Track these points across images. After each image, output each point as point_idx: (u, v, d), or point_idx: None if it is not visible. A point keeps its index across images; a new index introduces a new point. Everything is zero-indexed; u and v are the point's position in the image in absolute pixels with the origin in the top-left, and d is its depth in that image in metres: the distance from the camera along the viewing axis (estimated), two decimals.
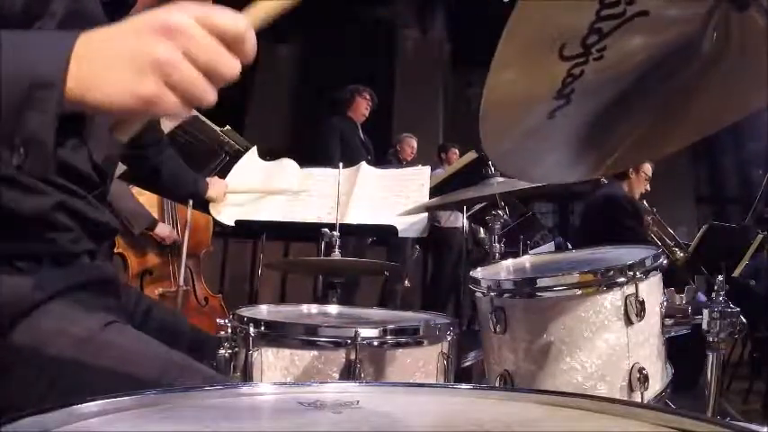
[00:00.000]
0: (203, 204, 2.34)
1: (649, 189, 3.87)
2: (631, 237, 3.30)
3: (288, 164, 2.52)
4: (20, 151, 0.60)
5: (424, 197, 2.30)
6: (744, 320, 1.19)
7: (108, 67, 0.57)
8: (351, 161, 2.63)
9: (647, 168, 3.76)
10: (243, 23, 0.58)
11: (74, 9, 0.89)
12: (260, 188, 2.42)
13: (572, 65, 0.70)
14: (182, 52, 0.56)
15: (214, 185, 2.28)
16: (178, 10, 0.57)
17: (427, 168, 2.50)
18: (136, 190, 3.14)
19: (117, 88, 0.57)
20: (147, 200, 3.28)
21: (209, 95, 0.58)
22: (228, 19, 0.58)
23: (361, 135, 5.01)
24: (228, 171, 2.57)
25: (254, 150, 2.62)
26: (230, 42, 0.58)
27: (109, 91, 0.57)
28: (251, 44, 0.59)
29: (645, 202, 3.79)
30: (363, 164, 2.52)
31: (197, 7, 0.58)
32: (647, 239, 3.72)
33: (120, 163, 1.49)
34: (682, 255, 3.82)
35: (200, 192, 2.23)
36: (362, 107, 5.03)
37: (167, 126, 2.31)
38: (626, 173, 3.70)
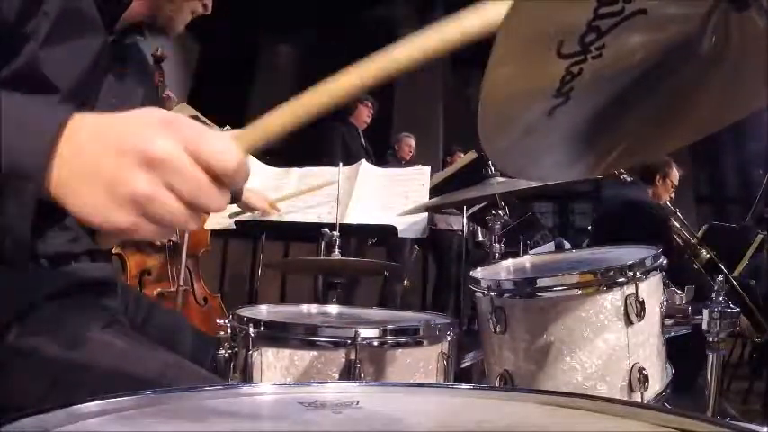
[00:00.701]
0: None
1: (674, 197, 3.83)
2: (656, 244, 3.25)
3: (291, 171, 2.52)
4: None
5: (424, 197, 2.30)
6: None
7: (86, 185, 0.54)
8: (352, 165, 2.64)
9: (675, 176, 3.69)
10: (234, 157, 0.54)
11: (67, 8, 0.89)
12: (304, 189, 2.34)
13: (570, 63, 0.70)
14: (164, 185, 0.52)
15: (254, 195, 2.14)
16: (167, 134, 0.53)
17: (427, 168, 2.50)
18: None
19: (93, 211, 0.54)
20: None
21: (191, 224, 0.55)
22: (219, 151, 0.53)
23: (363, 141, 5.09)
24: None
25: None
26: (219, 177, 0.54)
27: (85, 210, 0.54)
28: (243, 175, 0.55)
29: (669, 203, 3.76)
30: (363, 162, 2.51)
31: (189, 131, 0.54)
32: (673, 244, 3.66)
33: None
34: (707, 255, 3.78)
35: (234, 194, 2.16)
36: (364, 114, 5.19)
37: None
38: (653, 179, 3.64)
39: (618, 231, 3.52)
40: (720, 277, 1.23)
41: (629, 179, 3.62)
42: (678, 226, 3.79)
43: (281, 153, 2.62)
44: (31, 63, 0.86)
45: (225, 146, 0.54)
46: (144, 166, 0.52)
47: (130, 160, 0.52)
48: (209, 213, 0.54)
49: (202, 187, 0.53)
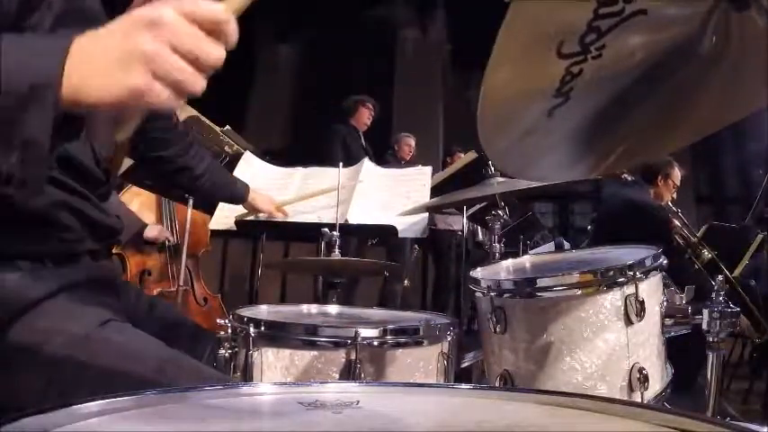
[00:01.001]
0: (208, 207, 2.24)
1: (675, 197, 3.83)
2: (658, 244, 3.25)
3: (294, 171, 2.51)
4: (17, 155, 0.62)
5: (425, 197, 2.30)
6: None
7: (99, 64, 0.60)
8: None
9: (676, 176, 3.69)
10: (223, 11, 0.61)
11: (71, 3, 0.89)
12: (308, 193, 2.34)
13: (570, 63, 0.70)
14: (167, 44, 0.59)
15: (259, 197, 2.11)
16: (164, 5, 0.60)
17: (429, 169, 2.50)
18: (134, 189, 3.13)
19: (108, 83, 0.59)
20: (145, 200, 3.28)
21: (198, 83, 0.61)
22: (208, 9, 0.61)
23: (363, 142, 5.11)
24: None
25: (249, 154, 2.60)
26: (212, 30, 0.61)
27: (101, 87, 0.60)
28: (232, 30, 0.62)
29: (670, 203, 3.75)
30: (366, 161, 2.51)
31: (179, 1, 0.60)
32: (673, 244, 3.66)
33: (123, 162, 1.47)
34: (708, 255, 3.77)
35: (240, 195, 2.04)
36: (365, 116, 5.21)
37: None
38: (654, 179, 3.64)
39: (618, 231, 3.51)
40: (720, 277, 1.23)
41: (630, 179, 3.61)
42: (680, 226, 3.78)
43: (283, 155, 2.62)
44: None
45: (213, 5, 0.62)
46: (147, 30, 0.59)
47: (134, 28, 0.59)
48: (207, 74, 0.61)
49: (200, 41, 0.60)
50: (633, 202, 3.52)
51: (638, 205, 3.50)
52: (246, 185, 2.07)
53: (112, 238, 1.14)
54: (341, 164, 2.37)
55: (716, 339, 1.19)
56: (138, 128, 0.65)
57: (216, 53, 0.61)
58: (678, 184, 3.73)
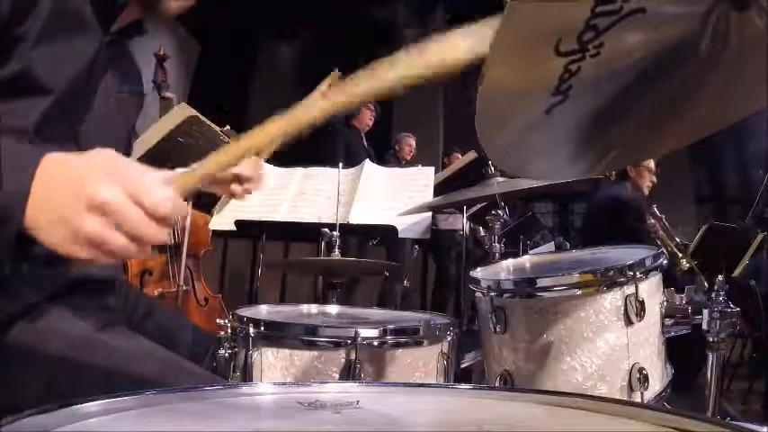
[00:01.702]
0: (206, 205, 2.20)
1: (656, 180, 3.89)
2: (634, 238, 3.31)
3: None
4: None
5: (427, 197, 2.30)
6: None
7: (51, 225, 0.64)
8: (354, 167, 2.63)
9: (648, 161, 3.76)
10: (169, 201, 0.64)
11: (59, 8, 0.89)
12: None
13: (568, 61, 0.70)
14: (111, 225, 0.63)
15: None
16: (110, 182, 0.63)
17: (431, 169, 2.50)
18: None
19: (58, 245, 0.64)
20: None
21: (142, 252, 0.65)
22: (156, 199, 0.63)
23: (365, 143, 5.11)
24: None
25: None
26: (157, 218, 0.64)
27: (52, 242, 0.65)
28: (178, 213, 0.65)
29: (655, 208, 3.77)
30: (367, 161, 2.51)
31: (129, 178, 0.64)
32: (650, 241, 3.72)
33: None
34: (686, 264, 3.80)
35: None
36: (367, 117, 5.22)
37: (166, 127, 2.30)
38: (626, 171, 3.70)
39: (598, 228, 3.64)
40: (720, 277, 1.23)
41: (612, 177, 3.70)
42: (658, 227, 3.86)
43: (284, 156, 2.62)
44: (23, 64, 0.86)
45: (161, 193, 0.64)
46: (92, 210, 0.63)
47: (82, 205, 0.63)
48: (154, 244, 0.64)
49: (143, 226, 0.63)
50: (607, 199, 3.63)
51: (615, 200, 3.60)
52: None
53: None
54: (341, 164, 2.37)
55: (716, 339, 1.19)
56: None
57: (158, 235, 0.64)
58: (653, 167, 3.77)
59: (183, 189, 0.67)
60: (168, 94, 2.96)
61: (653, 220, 3.69)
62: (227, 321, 1.24)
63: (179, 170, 0.70)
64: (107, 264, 0.67)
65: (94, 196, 0.62)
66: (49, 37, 0.88)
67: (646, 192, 3.77)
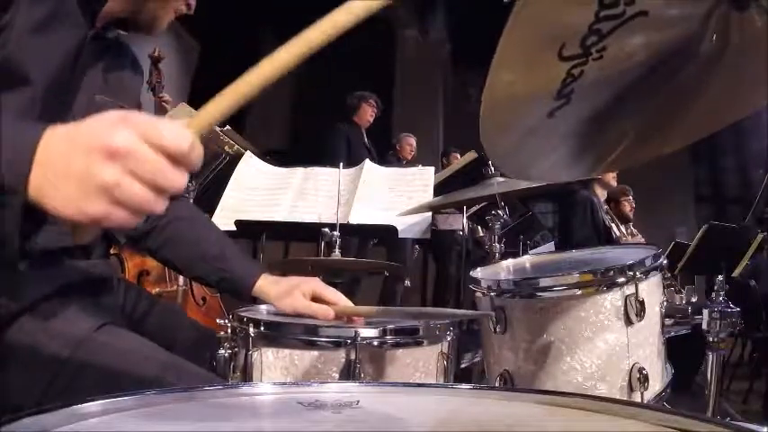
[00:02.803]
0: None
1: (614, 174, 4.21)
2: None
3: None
4: None
5: (428, 197, 2.30)
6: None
7: (60, 184, 0.60)
8: (355, 164, 2.63)
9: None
10: (187, 139, 0.59)
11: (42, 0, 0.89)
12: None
13: (572, 65, 0.70)
14: (128, 173, 0.58)
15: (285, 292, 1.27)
16: (124, 127, 0.58)
17: (431, 169, 2.50)
18: None
19: (67, 205, 0.59)
20: None
21: (158, 206, 0.60)
22: (173, 136, 0.58)
23: (366, 140, 5.10)
24: (228, 174, 2.56)
25: (249, 154, 2.60)
26: (175, 158, 0.59)
27: (61, 206, 0.60)
28: (196, 155, 0.60)
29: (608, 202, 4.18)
30: (367, 161, 2.51)
31: (143, 123, 0.59)
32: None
33: None
34: None
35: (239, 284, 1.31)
36: (368, 114, 5.18)
37: None
38: None
39: (566, 231, 3.83)
40: (720, 277, 1.23)
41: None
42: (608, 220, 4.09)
43: (283, 155, 2.62)
44: (3, 55, 0.86)
45: (177, 131, 0.59)
46: (108, 158, 0.57)
47: (96, 155, 0.58)
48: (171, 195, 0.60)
49: (162, 169, 0.58)
50: (567, 202, 3.99)
51: (571, 204, 3.96)
52: (257, 268, 1.34)
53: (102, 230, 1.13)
54: (341, 164, 2.37)
55: (716, 339, 1.19)
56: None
57: (178, 180, 0.59)
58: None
59: (198, 131, 0.62)
60: (163, 96, 2.96)
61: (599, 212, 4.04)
62: (226, 321, 1.24)
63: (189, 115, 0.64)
64: (123, 221, 0.59)
65: (108, 143, 0.58)
66: (33, 28, 0.88)
67: (614, 184, 4.21)
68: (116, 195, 0.57)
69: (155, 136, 0.58)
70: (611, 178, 4.26)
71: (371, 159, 4.71)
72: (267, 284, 1.27)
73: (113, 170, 0.57)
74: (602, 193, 4.28)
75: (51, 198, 0.60)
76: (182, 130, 0.60)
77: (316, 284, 1.25)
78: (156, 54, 2.86)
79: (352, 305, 1.26)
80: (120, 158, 0.57)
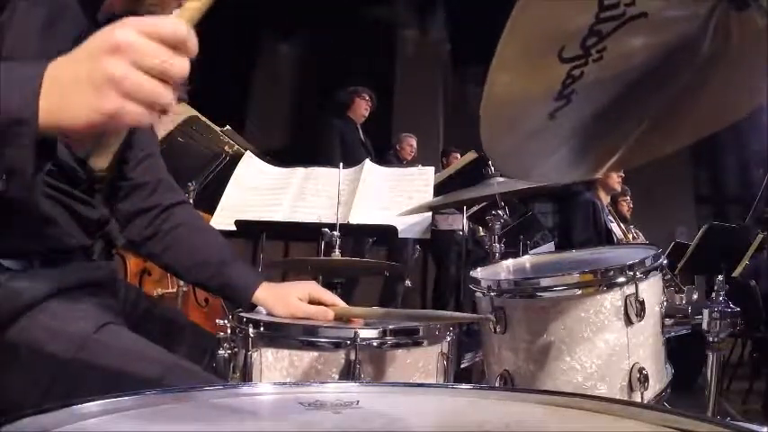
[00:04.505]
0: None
1: (623, 174, 4.18)
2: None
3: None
4: (2, 178, 0.65)
5: (428, 197, 2.30)
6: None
7: (71, 92, 0.62)
8: (351, 161, 2.63)
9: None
10: (182, 25, 0.62)
11: None
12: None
13: (572, 66, 0.70)
14: (132, 64, 0.60)
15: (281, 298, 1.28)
16: (122, 26, 0.61)
17: (431, 169, 2.50)
18: None
19: (82, 109, 0.61)
20: None
21: (168, 96, 0.62)
22: (169, 26, 0.62)
23: (362, 136, 5.07)
24: (228, 174, 2.56)
25: (249, 154, 2.60)
26: (174, 45, 0.62)
27: (75, 113, 0.61)
28: (192, 42, 0.63)
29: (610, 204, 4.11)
30: (367, 161, 2.51)
31: (139, 21, 0.62)
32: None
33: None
34: None
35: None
36: (362, 108, 5.13)
37: (166, 127, 2.30)
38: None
39: (567, 234, 3.93)
40: (720, 277, 1.23)
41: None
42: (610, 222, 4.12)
43: (283, 155, 2.62)
44: (2, 50, 0.86)
45: (172, 21, 0.63)
46: (112, 53, 0.60)
47: (100, 53, 0.61)
48: (176, 85, 0.63)
49: (163, 56, 0.61)
50: (570, 199, 3.97)
51: (572, 205, 3.97)
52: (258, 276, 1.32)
53: (102, 230, 1.13)
54: (341, 164, 2.37)
55: (716, 339, 1.19)
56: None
57: (181, 66, 0.62)
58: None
59: (190, 21, 0.65)
60: None
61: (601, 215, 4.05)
62: (226, 322, 1.24)
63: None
64: (141, 115, 0.61)
65: (109, 41, 0.61)
66: (32, 23, 0.88)
67: (617, 188, 4.19)
68: (126, 87, 0.60)
69: (152, 29, 0.61)
70: (616, 182, 4.23)
71: (368, 155, 4.69)
72: (266, 293, 1.29)
73: (119, 63, 0.60)
74: (605, 197, 4.22)
75: (64, 110, 0.62)
76: (176, 20, 0.63)
77: (312, 287, 1.26)
78: None
79: (349, 307, 1.27)
80: (123, 52, 0.60)
